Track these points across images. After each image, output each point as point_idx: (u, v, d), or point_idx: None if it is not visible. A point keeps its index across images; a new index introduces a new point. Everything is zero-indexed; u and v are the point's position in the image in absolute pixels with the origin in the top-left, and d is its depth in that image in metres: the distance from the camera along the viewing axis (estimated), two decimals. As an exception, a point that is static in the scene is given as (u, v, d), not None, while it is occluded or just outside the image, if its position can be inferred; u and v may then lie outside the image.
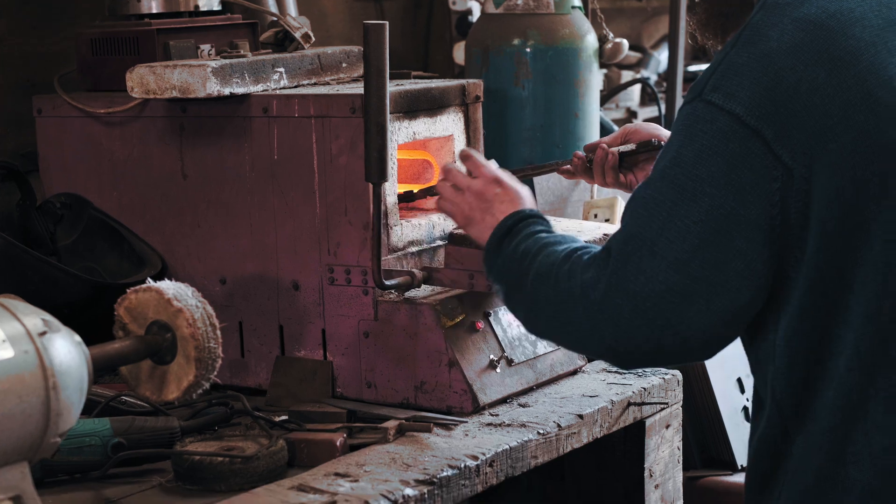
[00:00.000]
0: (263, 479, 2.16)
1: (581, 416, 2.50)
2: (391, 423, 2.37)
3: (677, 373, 2.76)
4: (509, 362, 2.58)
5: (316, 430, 2.35)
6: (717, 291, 1.89)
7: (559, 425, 2.45)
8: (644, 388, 2.66)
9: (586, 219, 3.15)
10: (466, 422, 2.43)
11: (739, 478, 2.98)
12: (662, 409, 2.70)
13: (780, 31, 1.91)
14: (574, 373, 2.72)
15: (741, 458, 3.01)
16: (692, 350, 1.95)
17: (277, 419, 2.41)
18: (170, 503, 2.12)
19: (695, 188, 1.89)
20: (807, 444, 1.92)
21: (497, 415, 2.48)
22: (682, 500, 2.80)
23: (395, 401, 2.55)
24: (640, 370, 2.74)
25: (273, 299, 2.67)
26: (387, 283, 2.51)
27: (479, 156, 2.41)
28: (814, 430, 1.91)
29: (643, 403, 2.64)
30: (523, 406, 2.53)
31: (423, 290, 2.60)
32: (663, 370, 2.75)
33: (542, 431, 2.41)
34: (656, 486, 2.72)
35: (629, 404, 2.61)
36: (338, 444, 2.28)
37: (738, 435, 3.02)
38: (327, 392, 2.60)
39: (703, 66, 5.21)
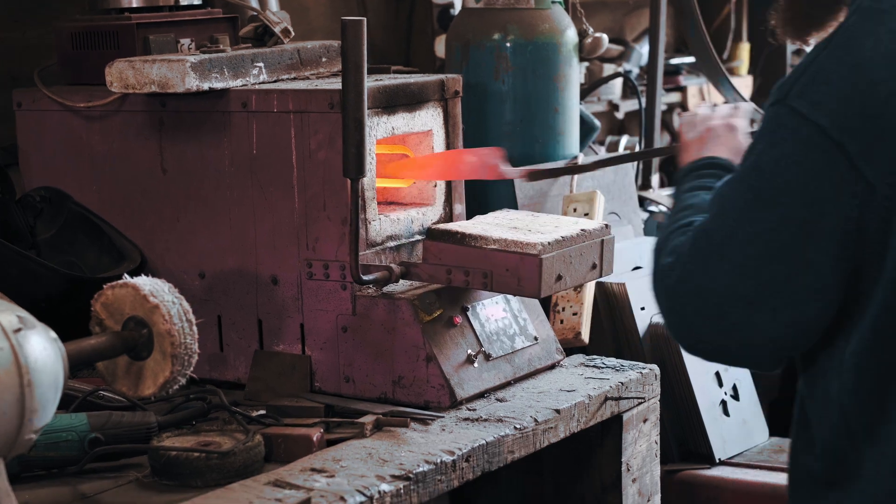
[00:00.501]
0: (240, 474, 2.16)
1: (558, 411, 2.51)
2: (368, 419, 2.37)
3: (655, 367, 2.77)
4: (487, 357, 2.59)
5: (293, 424, 2.36)
6: (785, 301, 1.85)
7: (536, 420, 2.46)
8: (622, 383, 2.67)
9: (565, 213, 3.15)
10: (443, 416, 2.44)
11: (718, 471, 2.99)
12: (640, 403, 2.72)
13: (876, 39, 1.84)
14: (552, 367, 2.73)
15: (719, 451, 3.02)
16: (759, 357, 1.93)
17: (255, 414, 2.41)
18: (146, 499, 2.13)
19: (770, 196, 1.85)
20: (879, 466, 1.87)
21: (474, 409, 2.49)
22: (659, 494, 2.81)
23: (373, 395, 2.56)
24: (616, 364, 2.75)
25: (252, 294, 2.67)
26: (364, 277, 2.51)
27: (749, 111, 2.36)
28: (888, 453, 1.86)
29: (620, 398, 2.65)
30: (500, 401, 2.54)
31: (401, 285, 2.60)
32: (641, 364, 2.76)
33: (518, 426, 2.42)
34: (634, 480, 2.73)
35: (606, 399, 2.62)
36: (315, 439, 2.28)
37: (716, 429, 3.03)
38: (305, 386, 2.61)
39: (685, 59, 5.23)
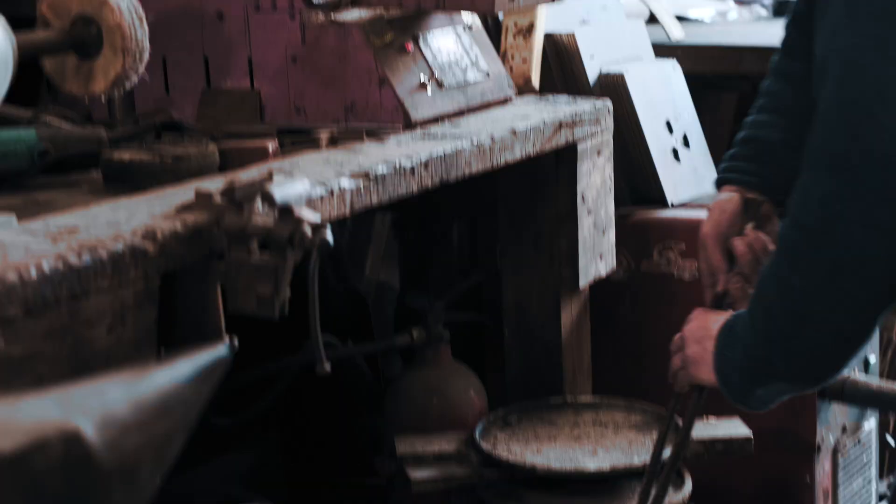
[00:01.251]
0: (195, 178, 2.12)
1: (514, 133, 2.48)
2: (323, 133, 2.33)
3: (607, 101, 2.75)
4: (440, 84, 2.55)
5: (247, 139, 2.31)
6: None
7: (493, 138, 2.43)
8: (576, 113, 2.64)
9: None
10: (399, 133, 2.40)
11: (670, 213, 2.98)
12: (594, 134, 2.69)
13: None
14: (504, 102, 2.70)
15: (671, 195, 3.00)
16: None
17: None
18: (99, 200, 2.07)
19: None
20: None
21: (429, 130, 2.45)
22: (614, 230, 2.80)
23: (326, 123, 2.51)
24: (569, 99, 2.73)
25: (197, 31, 2.61)
26: (314, 1, 2.46)
27: None
28: None
29: (575, 124, 2.63)
30: (455, 126, 2.50)
31: (351, 14, 2.55)
32: (594, 98, 2.74)
33: (475, 142, 2.39)
34: (589, 212, 2.71)
35: (561, 125, 2.60)
36: (270, 149, 2.24)
37: (668, 174, 3.01)
38: (255, 120, 2.56)
39: None
